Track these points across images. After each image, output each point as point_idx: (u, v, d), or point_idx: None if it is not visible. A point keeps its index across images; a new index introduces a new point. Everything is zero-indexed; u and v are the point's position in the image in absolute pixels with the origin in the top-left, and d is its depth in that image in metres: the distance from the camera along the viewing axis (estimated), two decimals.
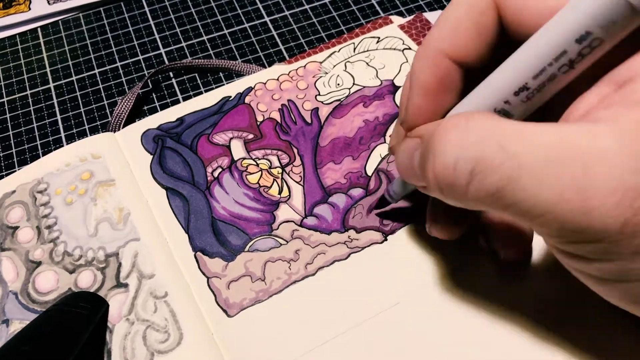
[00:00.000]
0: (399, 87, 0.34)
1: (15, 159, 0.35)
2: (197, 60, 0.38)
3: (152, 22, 0.42)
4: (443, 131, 0.19)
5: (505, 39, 0.21)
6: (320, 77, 0.35)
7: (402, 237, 0.29)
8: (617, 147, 0.16)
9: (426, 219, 0.26)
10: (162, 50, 0.40)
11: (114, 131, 0.34)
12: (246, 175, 0.31)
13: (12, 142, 0.35)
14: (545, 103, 0.20)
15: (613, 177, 0.16)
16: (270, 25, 0.41)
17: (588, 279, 0.19)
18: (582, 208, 0.16)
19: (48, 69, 0.39)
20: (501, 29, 0.21)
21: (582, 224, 0.17)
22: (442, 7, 0.41)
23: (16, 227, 0.30)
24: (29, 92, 0.38)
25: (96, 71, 0.39)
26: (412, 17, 0.38)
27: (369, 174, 0.31)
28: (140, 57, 0.39)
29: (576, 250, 0.18)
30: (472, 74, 0.22)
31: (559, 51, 0.18)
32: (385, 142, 0.32)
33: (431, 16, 0.38)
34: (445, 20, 0.22)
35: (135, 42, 0.40)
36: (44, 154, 0.34)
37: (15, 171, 0.33)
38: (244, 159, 0.32)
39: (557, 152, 0.17)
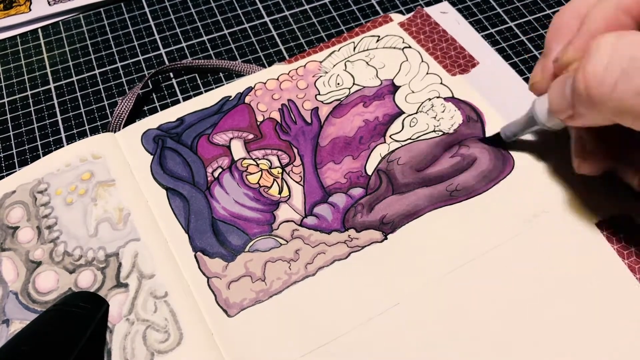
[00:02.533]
0: (399, 87, 0.34)
1: (15, 159, 0.35)
2: (197, 61, 0.38)
3: (152, 23, 0.42)
4: (599, 38, 0.20)
5: None
6: (320, 76, 0.35)
7: (402, 236, 0.29)
8: None
9: (573, 157, 0.27)
10: (162, 51, 0.40)
11: (114, 131, 0.34)
12: (246, 175, 0.31)
13: (12, 142, 0.35)
14: None
15: None
16: (270, 25, 0.41)
17: None
18: None
19: (48, 70, 0.39)
20: None
21: None
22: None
23: (16, 227, 0.30)
24: (29, 92, 0.38)
25: (96, 71, 0.39)
26: (412, 13, 0.38)
27: (369, 173, 0.31)
28: (141, 58, 0.39)
29: None
30: None
31: None
32: (385, 142, 0.32)
33: (432, 10, 0.38)
34: None
35: (136, 43, 0.40)
36: (45, 154, 0.34)
37: (15, 171, 0.33)
38: (244, 159, 0.32)
39: None
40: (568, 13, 0.27)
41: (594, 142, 0.26)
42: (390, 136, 0.32)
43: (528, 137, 0.31)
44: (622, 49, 0.20)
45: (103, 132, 0.34)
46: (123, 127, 0.34)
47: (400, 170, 0.31)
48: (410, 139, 0.32)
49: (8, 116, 0.37)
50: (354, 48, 0.37)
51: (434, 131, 0.32)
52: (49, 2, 0.42)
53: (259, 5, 0.42)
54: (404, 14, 0.40)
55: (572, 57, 0.24)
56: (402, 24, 0.37)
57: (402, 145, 0.32)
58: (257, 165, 0.32)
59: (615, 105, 0.20)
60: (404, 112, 0.33)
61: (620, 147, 0.26)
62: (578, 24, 0.25)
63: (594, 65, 0.20)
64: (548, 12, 0.40)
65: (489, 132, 0.32)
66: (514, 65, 0.36)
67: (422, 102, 0.33)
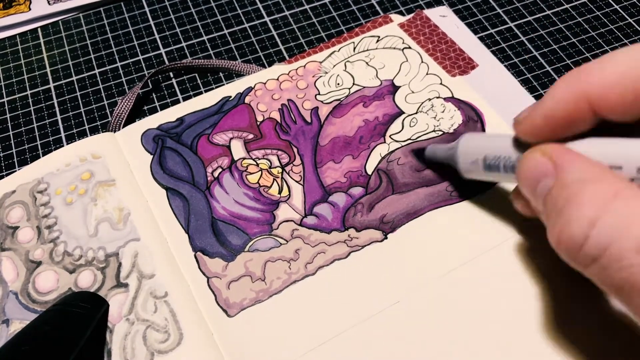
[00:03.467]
0: (399, 87, 0.34)
1: (15, 159, 0.35)
2: (197, 61, 0.38)
3: (152, 22, 0.42)
4: (581, 194, 0.18)
5: None
6: (320, 76, 0.35)
7: (402, 236, 0.29)
8: None
9: (512, 198, 0.26)
10: (162, 51, 0.40)
11: (114, 131, 0.34)
12: (246, 175, 0.31)
13: (12, 142, 0.35)
14: None
15: None
16: (270, 25, 0.41)
17: None
18: None
19: (48, 69, 0.39)
20: None
21: None
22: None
23: (16, 227, 0.30)
24: (29, 92, 0.38)
25: (96, 71, 0.39)
26: (412, 15, 0.38)
27: (369, 173, 0.31)
28: (140, 57, 0.39)
29: None
30: (604, 123, 0.21)
31: None
32: (385, 141, 0.32)
33: (432, 12, 0.38)
34: (605, 67, 0.20)
35: (135, 42, 0.40)
36: (44, 154, 0.34)
37: (15, 171, 0.33)
38: (244, 158, 0.32)
39: None
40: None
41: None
42: (390, 136, 0.32)
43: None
44: (604, 231, 0.18)
45: (103, 132, 0.34)
46: (123, 127, 0.34)
47: (400, 170, 0.31)
48: (410, 139, 0.32)
49: (7, 116, 0.37)
50: (354, 48, 0.37)
51: (434, 131, 0.32)
52: (48, 2, 0.42)
53: (259, 5, 0.42)
54: (403, 14, 0.40)
55: (525, 133, 0.23)
56: (402, 25, 0.37)
57: (402, 145, 0.32)
58: (257, 165, 0.32)
59: (583, 272, 0.19)
60: (403, 112, 0.33)
61: None
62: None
63: (569, 236, 0.19)
64: (548, 12, 0.40)
65: (489, 132, 0.32)
66: (513, 66, 0.36)
67: (422, 102, 0.33)
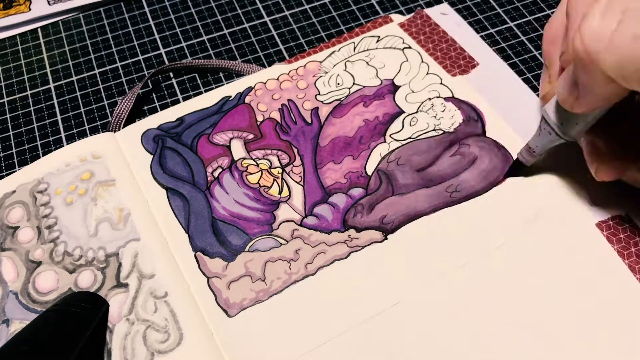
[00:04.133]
0: (399, 86, 0.34)
1: (15, 159, 0.35)
2: (197, 61, 0.38)
3: (152, 23, 0.42)
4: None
5: None
6: (320, 76, 0.35)
7: (402, 236, 0.29)
8: None
9: (589, 164, 0.26)
10: (162, 51, 0.40)
11: (114, 131, 0.34)
12: (246, 175, 0.31)
13: (12, 142, 0.35)
14: None
15: None
16: (270, 25, 0.41)
17: None
18: None
19: (48, 69, 0.39)
20: None
21: None
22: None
23: (16, 227, 0.30)
24: (29, 92, 0.38)
25: (96, 71, 0.39)
26: (412, 14, 0.38)
27: (369, 173, 0.31)
28: (140, 57, 0.39)
29: None
30: None
31: None
32: (385, 141, 0.32)
33: (432, 11, 0.38)
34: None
35: (135, 43, 0.40)
36: (44, 154, 0.34)
37: (15, 171, 0.33)
38: (244, 159, 0.32)
39: None
40: (556, 22, 0.27)
41: (608, 143, 0.26)
42: (390, 135, 0.32)
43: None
44: (615, 4, 0.20)
45: (103, 132, 0.34)
46: (123, 127, 0.34)
47: (401, 171, 0.31)
48: (410, 138, 0.32)
49: (8, 116, 0.37)
50: (354, 48, 0.37)
51: (434, 130, 0.32)
52: (48, 2, 0.42)
53: (259, 5, 0.42)
54: (404, 14, 0.40)
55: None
56: (402, 25, 0.37)
57: (402, 145, 0.32)
58: (257, 165, 0.32)
59: (615, 58, 0.20)
60: (404, 112, 0.33)
61: (634, 148, 0.26)
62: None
63: (590, 22, 0.21)
64: (548, 12, 0.40)
65: (489, 132, 0.32)
66: (514, 65, 0.36)
67: (422, 102, 0.33)
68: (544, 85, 0.28)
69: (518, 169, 0.30)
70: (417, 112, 0.33)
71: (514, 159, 0.30)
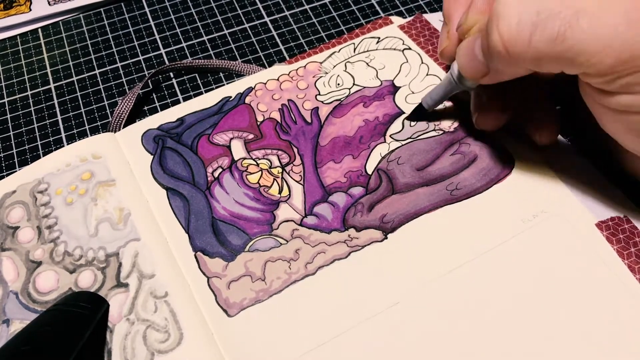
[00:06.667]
0: (399, 87, 0.34)
1: (16, 159, 0.35)
2: (197, 61, 0.38)
3: (152, 23, 0.42)
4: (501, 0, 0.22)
5: None
6: (321, 77, 0.35)
7: (402, 236, 0.29)
8: None
9: (472, 113, 0.30)
10: (163, 51, 0.40)
11: (115, 131, 0.34)
12: (246, 175, 0.31)
13: (12, 142, 0.35)
14: None
15: None
16: (270, 26, 0.41)
17: (608, 112, 0.23)
18: (635, 37, 0.20)
19: (49, 70, 0.39)
20: None
21: (634, 52, 0.20)
22: (442, 8, 0.41)
23: (17, 227, 0.30)
24: (29, 92, 0.38)
25: (97, 71, 0.39)
26: (411, 17, 0.38)
27: (369, 172, 0.31)
28: (141, 58, 0.40)
29: (621, 86, 0.21)
30: None
31: None
32: (385, 141, 0.32)
33: (431, 17, 0.38)
34: None
35: (136, 43, 0.40)
36: (45, 154, 0.34)
37: (15, 171, 0.33)
38: (244, 159, 0.32)
39: None
40: None
41: (490, 96, 0.29)
42: (390, 136, 0.32)
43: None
44: (528, 6, 0.22)
45: (103, 132, 0.34)
46: (123, 127, 0.34)
47: (401, 170, 0.31)
48: (410, 138, 0.32)
49: (8, 116, 0.37)
50: (354, 49, 0.37)
51: (434, 130, 0.32)
52: (49, 2, 0.42)
53: (259, 6, 0.42)
54: (404, 14, 0.40)
55: (474, 20, 0.26)
56: (402, 27, 0.37)
57: (403, 145, 0.32)
58: (257, 165, 0.32)
59: (534, 56, 0.22)
60: (404, 112, 0.33)
61: (518, 100, 0.29)
62: None
63: (508, 25, 0.22)
64: None
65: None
66: None
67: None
68: (442, 40, 0.31)
69: (421, 113, 0.32)
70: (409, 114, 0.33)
71: (418, 103, 0.32)
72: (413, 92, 0.34)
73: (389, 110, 0.33)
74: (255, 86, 0.35)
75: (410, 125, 0.33)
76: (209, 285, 0.28)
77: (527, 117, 0.29)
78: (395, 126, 0.33)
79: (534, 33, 0.22)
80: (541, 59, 0.22)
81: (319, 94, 0.35)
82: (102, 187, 0.31)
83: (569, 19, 0.21)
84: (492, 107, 0.29)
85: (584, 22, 0.20)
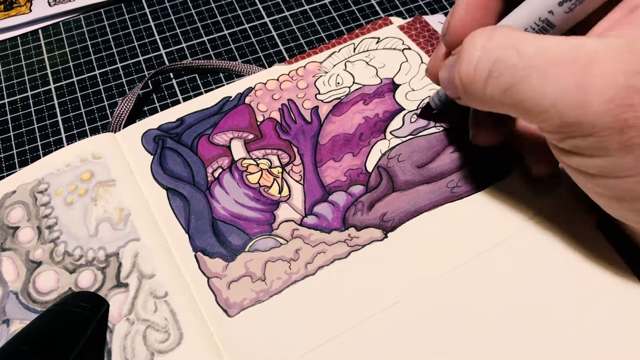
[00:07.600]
0: (399, 85, 0.34)
1: (16, 160, 0.35)
2: (197, 61, 0.38)
3: (152, 23, 0.42)
4: (470, 37, 0.22)
5: None
6: (320, 76, 0.35)
7: (402, 235, 0.29)
8: (616, 54, 0.19)
9: (469, 128, 0.29)
10: (163, 51, 0.40)
11: (115, 131, 0.34)
12: (246, 175, 0.31)
13: (12, 142, 0.35)
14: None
15: (609, 77, 0.19)
16: (270, 26, 0.41)
17: (580, 175, 0.22)
18: (580, 103, 0.19)
19: (49, 70, 0.39)
20: None
21: (579, 117, 0.19)
22: (442, 8, 0.41)
23: (17, 227, 0.30)
24: (29, 93, 0.38)
25: (97, 72, 0.39)
26: (411, 18, 0.38)
27: (369, 170, 0.31)
28: (141, 58, 0.40)
29: (572, 146, 0.21)
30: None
31: None
32: (385, 138, 0.32)
33: (430, 19, 0.38)
34: None
35: (136, 43, 0.40)
36: (45, 154, 0.34)
37: (16, 171, 0.33)
38: (244, 159, 0.32)
39: (563, 54, 0.20)
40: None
41: (486, 115, 0.28)
42: (390, 132, 0.32)
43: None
44: (490, 51, 0.21)
45: (103, 133, 0.34)
46: (123, 128, 0.34)
47: (401, 167, 0.31)
48: (410, 135, 0.32)
49: (8, 116, 0.37)
50: (354, 49, 0.37)
51: (435, 127, 0.32)
52: (49, 3, 0.43)
53: (259, 6, 0.42)
54: (403, 15, 0.40)
55: (453, 36, 0.25)
56: (401, 27, 0.38)
57: (403, 142, 0.32)
58: (257, 165, 0.32)
59: (489, 102, 0.22)
60: (404, 109, 0.33)
61: (514, 123, 0.29)
62: None
63: (466, 66, 0.22)
64: None
65: None
66: None
67: (423, 99, 0.34)
68: (431, 60, 0.29)
69: (429, 112, 0.32)
70: (417, 108, 0.33)
71: (426, 103, 0.32)
72: (413, 90, 0.34)
73: (389, 107, 0.33)
74: (255, 86, 0.35)
75: (411, 122, 0.33)
76: (209, 285, 0.28)
77: (524, 146, 0.29)
78: (396, 123, 0.33)
79: (488, 80, 0.21)
80: (496, 105, 0.22)
81: (319, 93, 0.35)
82: (102, 187, 0.31)
83: (522, 73, 0.20)
84: (488, 124, 0.28)
85: (534, 79, 0.20)
